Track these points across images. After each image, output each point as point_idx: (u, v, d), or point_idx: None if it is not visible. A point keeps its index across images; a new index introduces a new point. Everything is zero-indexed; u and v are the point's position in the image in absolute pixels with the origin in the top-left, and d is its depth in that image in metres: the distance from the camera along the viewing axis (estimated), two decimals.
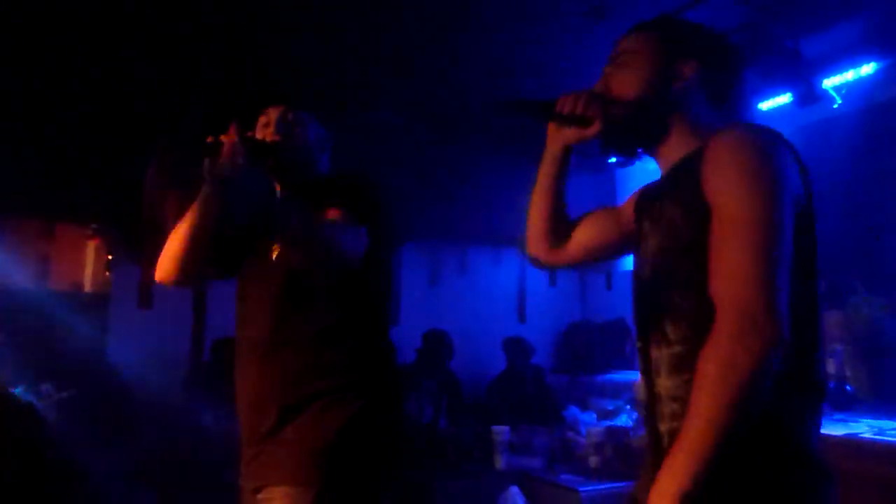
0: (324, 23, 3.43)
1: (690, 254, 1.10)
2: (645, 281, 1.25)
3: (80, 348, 4.27)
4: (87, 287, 5.56)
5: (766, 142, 1.11)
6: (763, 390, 0.98)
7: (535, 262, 1.58)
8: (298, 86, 1.86)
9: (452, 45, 3.72)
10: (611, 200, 5.68)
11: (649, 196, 1.33)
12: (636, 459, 3.67)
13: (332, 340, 1.58)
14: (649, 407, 1.19)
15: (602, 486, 3.42)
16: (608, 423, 4.41)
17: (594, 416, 4.68)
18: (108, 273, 4.95)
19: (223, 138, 1.47)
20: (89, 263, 5.57)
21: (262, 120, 1.71)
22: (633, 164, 5.13)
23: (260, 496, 1.55)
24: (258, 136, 1.66)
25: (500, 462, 3.77)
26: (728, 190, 1.07)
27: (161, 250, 1.68)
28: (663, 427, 1.14)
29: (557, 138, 1.46)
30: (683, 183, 1.17)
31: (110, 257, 4.86)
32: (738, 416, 0.97)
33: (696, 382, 1.00)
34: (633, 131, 1.33)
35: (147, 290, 4.58)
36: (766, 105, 4.06)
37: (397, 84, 4.26)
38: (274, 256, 1.63)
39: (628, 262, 4.90)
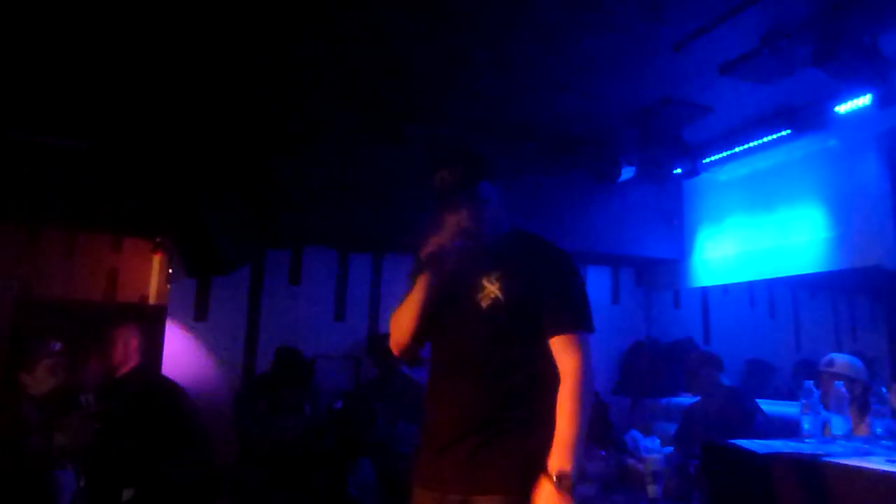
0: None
1: None
2: None
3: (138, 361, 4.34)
4: (152, 300, 5.70)
5: None
6: None
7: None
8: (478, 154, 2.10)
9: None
10: (677, 211, 5.41)
11: None
12: (697, 489, 3.41)
13: (532, 372, 1.87)
14: None
15: None
16: (671, 448, 4.15)
17: (657, 441, 4.42)
18: (168, 286, 5.04)
19: (441, 238, 1.88)
20: (154, 277, 5.72)
21: (453, 220, 1.93)
22: (697, 175, 4.89)
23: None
24: (460, 224, 1.93)
25: None
26: None
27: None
28: None
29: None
30: None
31: (170, 270, 4.96)
32: None
33: None
34: None
35: (203, 303, 4.64)
36: (843, 108, 3.75)
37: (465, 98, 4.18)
38: (484, 306, 1.90)
39: (696, 280, 4.58)
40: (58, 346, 3.28)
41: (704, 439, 3.56)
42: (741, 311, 5.95)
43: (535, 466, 1.76)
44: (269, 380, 4.19)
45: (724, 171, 4.85)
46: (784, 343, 6.05)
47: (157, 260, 5.63)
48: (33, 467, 2.91)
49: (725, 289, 5.61)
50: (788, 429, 3.37)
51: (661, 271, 5.67)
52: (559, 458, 1.72)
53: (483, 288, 1.90)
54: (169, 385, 3.99)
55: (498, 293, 1.87)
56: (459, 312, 1.94)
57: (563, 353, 1.84)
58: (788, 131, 4.17)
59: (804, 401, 2.52)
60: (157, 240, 5.24)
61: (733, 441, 2.58)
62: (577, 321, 1.87)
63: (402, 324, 1.99)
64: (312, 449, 3.86)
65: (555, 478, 1.70)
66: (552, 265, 1.94)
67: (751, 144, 4.39)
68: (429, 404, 1.99)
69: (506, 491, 1.76)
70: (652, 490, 3.46)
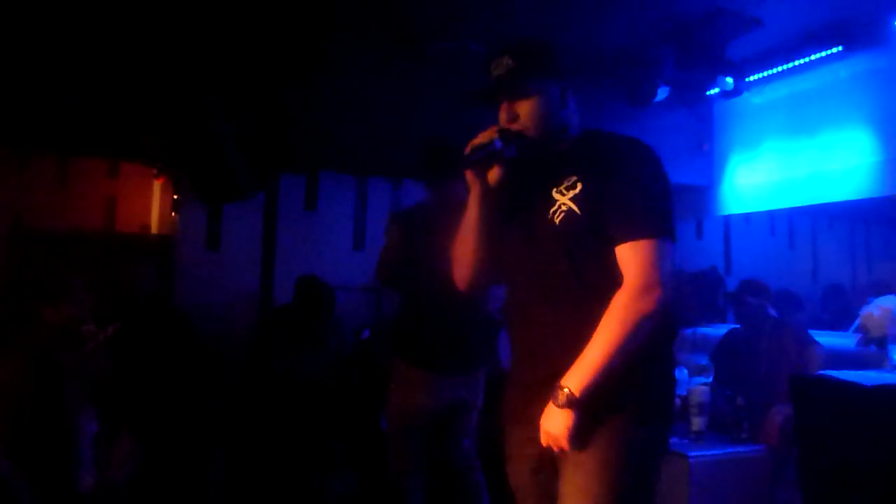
0: None
1: None
2: None
3: (148, 292, 4.13)
4: (154, 229, 5.42)
5: None
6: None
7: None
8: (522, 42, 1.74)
9: None
10: (708, 135, 5.19)
11: None
12: (742, 421, 3.32)
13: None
14: None
15: (712, 452, 3.08)
16: (701, 379, 4.06)
17: (685, 371, 4.33)
18: (174, 214, 4.76)
19: (480, 137, 1.62)
20: (155, 204, 5.42)
21: (502, 115, 1.69)
22: (738, 95, 4.64)
23: None
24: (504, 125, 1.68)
25: None
26: None
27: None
28: None
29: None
30: None
31: (176, 197, 4.68)
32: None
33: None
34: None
35: (215, 232, 4.39)
36: None
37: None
38: (557, 222, 1.63)
39: (725, 208, 4.36)
40: (79, 282, 3.02)
41: (751, 371, 3.45)
42: (761, 240, 5.83)
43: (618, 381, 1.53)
44: (291, 312, 3.99)
45: (761, 93, 4.60)
46: (802, 272, 5.98)
47: (158, 186, 5.32)
48: (68, 412, 2.71)
49: (747, 218, 5.46)
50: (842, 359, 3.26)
51: (684, 200, 5.48)
52: (572, 375, 1.50)
53: (553, 201, 1.61)
54: (181, 316, 3.79)
55: (571, 204, 1.58)
56: (529, 232, 1.66)
57: (624, 265, 1.52)
58: (840, 48, 3.93)
59: (893, 329, 2.38)
60: (159, 165, 4.92)
61: (828, 373, 2.45)
62: (642, 227, 1.52)
63: (462, 255, 1.73)
64: (340, 383, 3.71)
65: (559, 390, 1.50)
66: (618, 162, 1.61)
67: (797, 63, 4.14)
68: (510, 335, 1.76)
69: None
70: (697, 423, 3.36)
